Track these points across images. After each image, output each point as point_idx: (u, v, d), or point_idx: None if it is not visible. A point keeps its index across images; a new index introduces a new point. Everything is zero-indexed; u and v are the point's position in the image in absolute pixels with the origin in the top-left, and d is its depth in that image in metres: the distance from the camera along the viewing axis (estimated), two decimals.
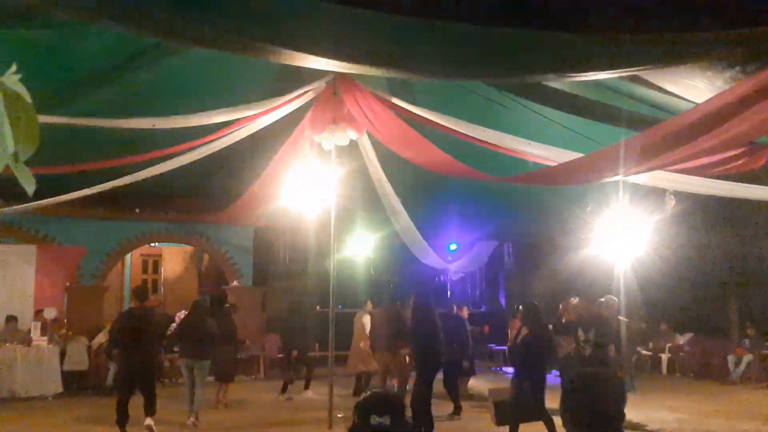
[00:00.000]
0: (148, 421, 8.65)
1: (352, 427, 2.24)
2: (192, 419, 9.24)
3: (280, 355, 14.50)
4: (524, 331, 8.07)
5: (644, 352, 15.34)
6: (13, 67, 1.12)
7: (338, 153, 8.88)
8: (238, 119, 7.91)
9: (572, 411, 2.31)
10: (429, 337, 8.58)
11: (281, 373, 12.53)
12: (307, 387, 11.81)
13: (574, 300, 11.36)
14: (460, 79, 6.56)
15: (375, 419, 2.14)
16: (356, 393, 11.56)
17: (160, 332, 9.52)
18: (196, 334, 9.50)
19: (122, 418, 8.45)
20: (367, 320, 11.88)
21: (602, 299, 9.18)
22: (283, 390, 11.57)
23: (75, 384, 12.05)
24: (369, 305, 12.14)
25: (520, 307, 8.90)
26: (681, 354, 14.98)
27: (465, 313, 11.70)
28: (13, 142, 1.08)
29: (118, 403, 8.54)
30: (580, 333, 9.24)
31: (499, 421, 7.83)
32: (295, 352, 11.64)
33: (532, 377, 7.79)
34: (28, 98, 1.11)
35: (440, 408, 9.74)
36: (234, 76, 8.22)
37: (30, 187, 1.16)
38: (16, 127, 1.08)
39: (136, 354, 8.52)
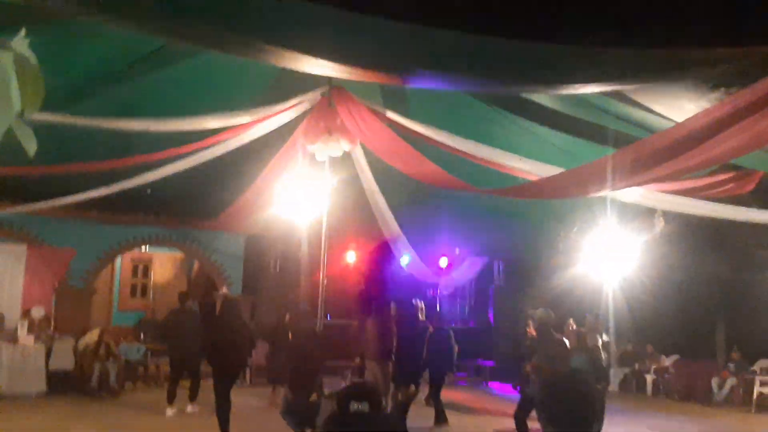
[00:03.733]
0: (190, 408, 10.55)
1: (333, 414, 2.29)
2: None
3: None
4: None
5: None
6: (22, 32, 1.21)
7: (331, 163, 8.97)
8: (233, 126, 7.99)
9: (548, 411, 2.39)
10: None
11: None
12: None
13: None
14: (452, 88, 6.65)
15: (354, 406, 2.20)
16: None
17: (198, 329, 10.65)
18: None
19: (171, 398, 10.44)
20: None
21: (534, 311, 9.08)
22: None
23: (59, 383, 11.99)
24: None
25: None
26: (666, 376, 15.05)
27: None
28: (20, 102, 1.17)
29: (170, 384, 10.62)
30: None
31: None
32: None
33: None
34: (34, 61, 1.19)
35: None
36: (231, 85, 8.33)
37: (31, 148, 1.24)
38: (23, 89, 1.16)
39: (183, 346, 10.36)
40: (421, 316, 10.27)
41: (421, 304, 10.43)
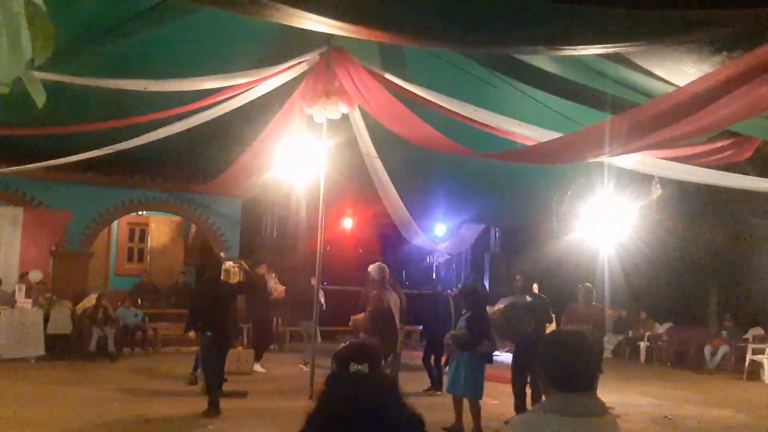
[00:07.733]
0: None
1: (331, 374, 2.29)
2: None
3: None
4: None
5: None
6: None
7: (329, 126, 8.93)
8: (230, 86, 7.92)
9: (549, 368, 2.43)
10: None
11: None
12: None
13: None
14: (451, 48, 6.56)
15: (354, 366, 2.20)
16: None
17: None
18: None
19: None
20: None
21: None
22: None
23: (58, 348, 12.06)
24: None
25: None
26: (659, 343, 15.21)
27: None
28: (30, 49, 1.15)
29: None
30: None
31: None
32: None
33: None
34: (43, 7, 1.18)
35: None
36: (229, 44, 8.23)
37: (40, 99, 1.23)
38: (33, 35, 1.15)
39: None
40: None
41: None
